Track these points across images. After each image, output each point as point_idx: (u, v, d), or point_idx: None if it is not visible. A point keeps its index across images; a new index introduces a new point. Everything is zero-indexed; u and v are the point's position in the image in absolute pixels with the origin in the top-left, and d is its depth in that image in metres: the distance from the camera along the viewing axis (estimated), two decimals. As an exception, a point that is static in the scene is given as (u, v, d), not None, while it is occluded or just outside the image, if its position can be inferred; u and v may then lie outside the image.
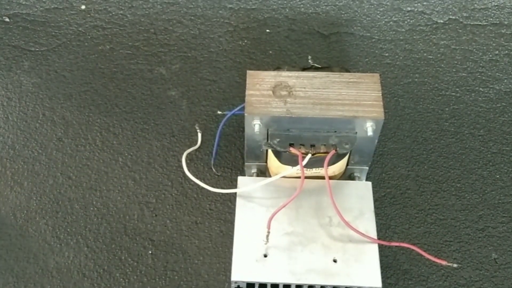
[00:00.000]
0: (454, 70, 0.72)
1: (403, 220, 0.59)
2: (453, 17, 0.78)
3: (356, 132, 0.52)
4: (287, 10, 0.79)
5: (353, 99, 0.52)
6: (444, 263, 0.48)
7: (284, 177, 0.52)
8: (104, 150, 0.64)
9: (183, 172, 0.59)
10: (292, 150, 0.51)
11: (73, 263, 0.56)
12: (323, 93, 0.52)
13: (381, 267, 0.48)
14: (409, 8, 0.79)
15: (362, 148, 0.54)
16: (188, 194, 0.60)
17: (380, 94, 0.52)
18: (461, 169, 0.63)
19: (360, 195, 0.54)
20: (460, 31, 0.76)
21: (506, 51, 0.74)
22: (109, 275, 0.55)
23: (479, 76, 0.71)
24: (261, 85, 0.53)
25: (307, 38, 0.75)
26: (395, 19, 0.78)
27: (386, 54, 0.73)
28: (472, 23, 0.77)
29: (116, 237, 0.58)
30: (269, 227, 0.50)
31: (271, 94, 0.52)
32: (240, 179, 0.55)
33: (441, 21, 0.77)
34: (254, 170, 0.58)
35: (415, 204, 0.60)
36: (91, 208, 0.60)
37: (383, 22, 0.77)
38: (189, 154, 0.62)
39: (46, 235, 0.58)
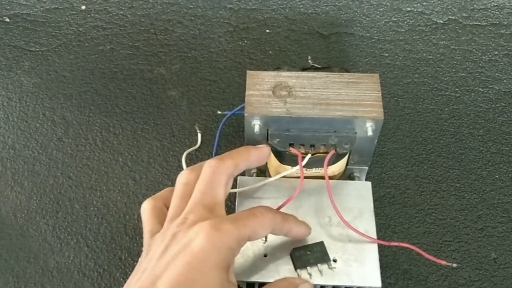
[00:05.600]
0: (453, 70, 0.72)
1: (403, 220, 0.59)
2: (453, 18, 0.78)
3: (356, 132, 0.52)
4: (287, 10, 0.79)
5: (353, 99, 0.52)
6: (443, 263, 0.49)
7: (284, 177, 0.52)
8: (104, 150, 0.64)
9: (183, 172, 0.59)
10: (292, 150, 0.51)
11: (73, 262, 0.56)
12: (323, 93, 0.52)
13: (381, 267, 0.48)
14: (408, 9, 0.79)
15: (361, 148, 0.54)
16: (188, 194, 0.60)
17: (380, 94, 0.52)
18: (461, 169, 0.63)
19: (359, 195, 0.54)
20: (460, 31, 0.76)
21: (506, 51, 0.74)
22: (109, 275, 0.55)
23: (478, 76, 0.71)
24: (261, 85, 0.53)
25: (307, 38, 0.76)
26: (394, 19, 0.78)
27: (386, 54, 0.74)
28: (471, 24, 0.77)
29: (116, 236, 0.58)
30: (269, 227, 0.50)
31: (271, 94, 0.52)
32: (240, 179, 0.55)
33: (441, 22, 0.77)
34: (254, 170, 0.58)
35: (415, 204, 0.60)
36: (91, 208, 0.60)
37: (383, 22, 0.77)
38: (189, 154, 0.62)
39: (46, 235, 0.58)
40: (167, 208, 0.45)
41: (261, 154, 0.49)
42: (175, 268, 0.38)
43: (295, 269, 0.48)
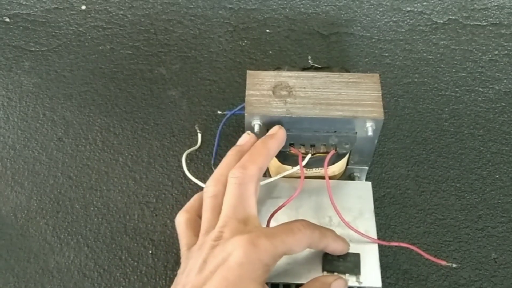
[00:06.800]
0: (453, 70, 0.72)
1: (403, 220, 0.59)
2: (453, 17, 0.78)
3: (356, 132, 0.52)
4: (287, 10, 0.79)
5: (353, 99, 0.52)
6: (443, 263, 0.48)
7: (284, 177, 0.52)
8: (105, 150, 0.64)
9: (183, 172, 0.59)
10: (292, 150, 0.51)
11: (73, 263, 0.56)
12: (323, 93, 0.52)
13: (381, 267, 0.48)
14: (408, 8, 0.79)
15: (362, 148, 0.54)
16: (188, 194, 0.60)
17: (380, 94, 0.52)
18: (461, 169, 0.63)
19: (360, 195, 0.54)
20: (460, 31, 0.76)
21: (506, 51, 0.74)
22: (110, 275, 0.55)
23: (478, 76, 0.71)
24: (261, 85, 0.53)
25: (307, 38, 0.76)
26: (394, 19, 0.78)
27: (386, 54, 0.74)
28: (471, 23, 0.77)
29: (117, 237, 0.58)
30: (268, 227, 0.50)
31: (271, 94, 0.52)
32: (240, 179, 0.55)
33: (441, 21, 0.77)
34: (254, 170, 0.58)
35: (415, 204, 0.60)
36: (92, 208, 0.60)
37: (383, 22, 0.77)
38: (189, 154, 0.62)
39: (46, 235, 0.58)
40: (200, 218, 0.46)
41: (279, 141, 0.49)
42: (213, 283, 0.39)
43: (323, 270, 0.48)
